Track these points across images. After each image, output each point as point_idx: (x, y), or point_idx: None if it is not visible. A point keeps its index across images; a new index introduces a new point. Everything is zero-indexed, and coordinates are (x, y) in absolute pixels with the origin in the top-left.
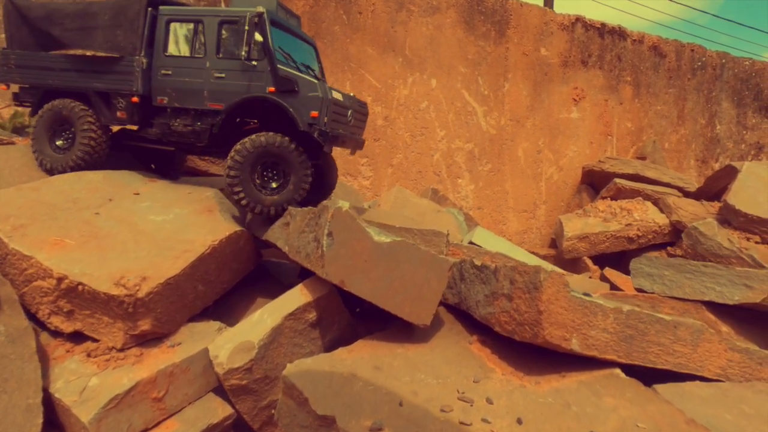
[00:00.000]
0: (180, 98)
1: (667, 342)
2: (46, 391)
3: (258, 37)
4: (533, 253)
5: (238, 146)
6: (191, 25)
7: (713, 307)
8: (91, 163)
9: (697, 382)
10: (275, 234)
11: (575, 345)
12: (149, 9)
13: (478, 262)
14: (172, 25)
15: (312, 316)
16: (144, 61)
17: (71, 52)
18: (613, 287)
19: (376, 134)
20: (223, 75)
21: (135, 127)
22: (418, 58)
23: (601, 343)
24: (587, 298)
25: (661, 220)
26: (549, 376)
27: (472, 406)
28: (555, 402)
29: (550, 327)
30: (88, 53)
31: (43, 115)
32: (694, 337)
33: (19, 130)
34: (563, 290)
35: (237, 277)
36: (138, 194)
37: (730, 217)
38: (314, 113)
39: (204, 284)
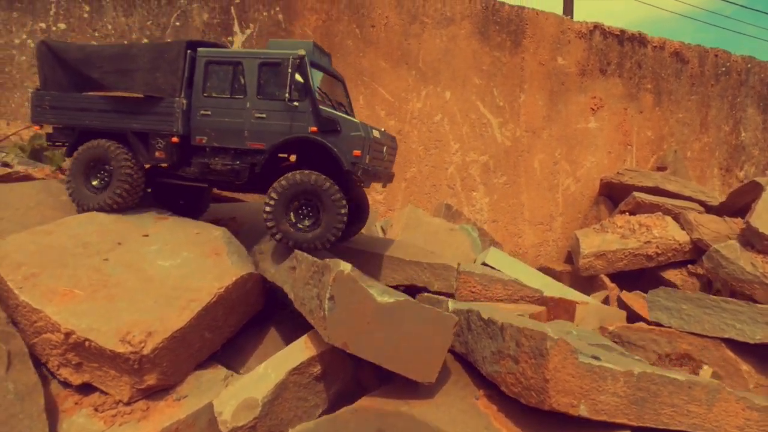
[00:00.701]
0: (219, 138)
1: (681, 403)
2: None
3: (299, 78)
4: (549, 269)
5: (275, 184)
6: (230, 67)
7: (733, 344)
8: (128, 202)
9: None
10: (282, 277)
11: (583, 411)
12: (188, 51)
13: (485, 315)
14: (211, 67)
15: (316, 369)
16: (184, 102)
17: (111, 93)
18: (631, 313)
19: None
20: (264, 115)
21: (165, 165)
22: (432, 71)
23: (611, 408)
24: (596, 363)
25: (682, 237)
26: None
27: None
28: None
29: (557, 395)
30: (127, 94)
31: (79, 156)
32: (710, 396)
33: (38, 153)
34: (570, 357)
35: (245, 319)
36: (147, 236)
37: (753, 240)
38: (357, 152)
39: (211, 331)
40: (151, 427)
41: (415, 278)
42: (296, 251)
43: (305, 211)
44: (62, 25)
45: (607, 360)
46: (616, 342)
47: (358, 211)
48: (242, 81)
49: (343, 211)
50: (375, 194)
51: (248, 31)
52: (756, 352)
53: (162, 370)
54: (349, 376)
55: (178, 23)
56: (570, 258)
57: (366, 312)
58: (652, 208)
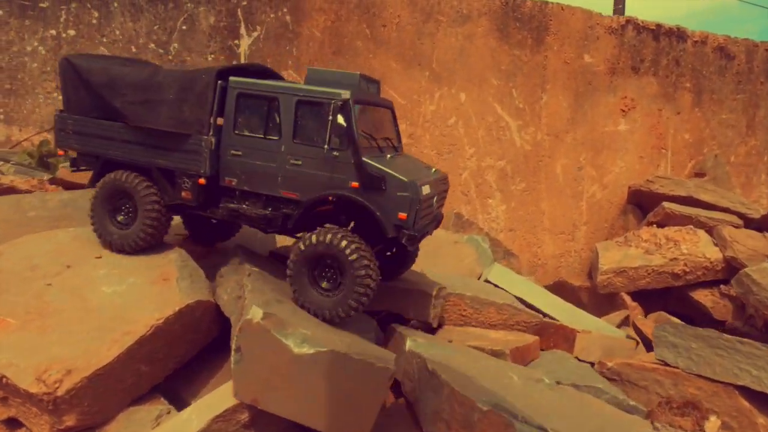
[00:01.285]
0: (250, 182)
1: None
2: None
3: (341, 122)
4: (566, 284)
5: (295, 247)
6: (265, 102)
7: (749, 392)
8: (156, 239)
9: None
10: (230, 307)
11: None
12: (219, 81)
13: (431, 367)
14: (243, 100)
15: (244, 417)
16: (212, 140)
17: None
18: (644, 340)
19: None
20: (299, 162)
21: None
22: (446, 72)
23: None
24: None
25: (714, 254)
26: None
27: None
28: None
29: None
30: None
31: (101, 190)
32: None
33: (45, 160)
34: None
35: (196, 348)
36: (100, 257)
37: None
38: (402, 215)
39: (149, 364)
40: None
41: (392, 305)
42: (244, 279)
43: (328, 274)
44: (72, 32)
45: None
46: (614, 380)
47: (404, 257)
48: (277, 119)
49: (362, 272)
50: None
51: (255, 34)
52: None
53: (82, 410)
54: (286, 423)
55: (184, 27)
56: (591, 272)
57: (281, 365)
58: (683, 221)
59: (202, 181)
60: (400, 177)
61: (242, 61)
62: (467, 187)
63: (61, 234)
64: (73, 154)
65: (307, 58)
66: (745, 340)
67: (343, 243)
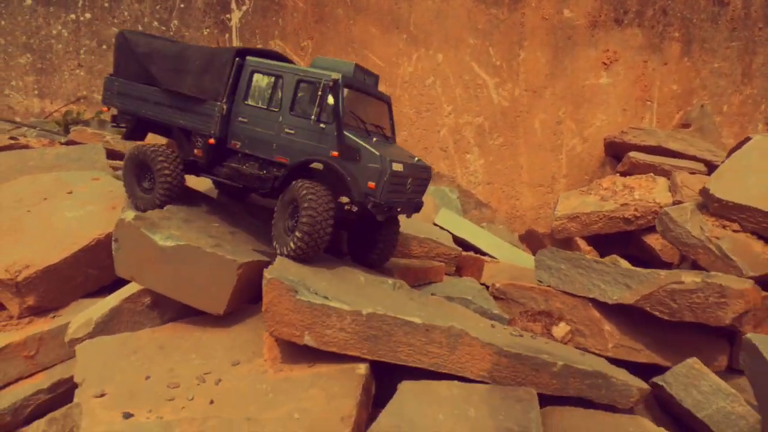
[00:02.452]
0: (251, 146)
1: (419, 343)
2: None
3: (330, 100)
4: (534, 232)
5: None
6: (272, 79)
7: (600, 305)
8: (172, 196)
9: (455, 382)
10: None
11: (309, 341)
12: (237, 59)
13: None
14: (255, 76)
15: (147, 300)
16: (224, 107)
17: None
18: None
19: None
20: (293, 132)
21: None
22: (423, 34)
23: (340, 341)
24: (317, 301)
25: (665, 199)
26: (302, 365)
27: (199, 384)
28: (265, 388)
29: (276, 325)
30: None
31: (128, 161)
32: (451, 341)
33: (68, 127)
34: (286, 295)
35: None
36: (71, 193)
37: (707, 202)
38: (371, 184)
39: (96, 269)
40: (24, 334)
41: None
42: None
43: (294, 217)
44: (88, 15)
45: (342, 301)
46: (501, 298)
47: (377, 241)
48: (280, 95)
49: (308, 213)
50: None
51: (244, 8)
52: (620, 313)
53: (39, 294)
54: (181, 305)
55: (182, 5)
56: None
57: (150, 253)
58: (647, 169)
59: (211, 141)
60: (373, 150)
61: (233, 32)
62: (445, 143)
63: (46, 177)
64: (114, 112)
65: (292, 28)
66: (600, 259)
67: (303, 190)
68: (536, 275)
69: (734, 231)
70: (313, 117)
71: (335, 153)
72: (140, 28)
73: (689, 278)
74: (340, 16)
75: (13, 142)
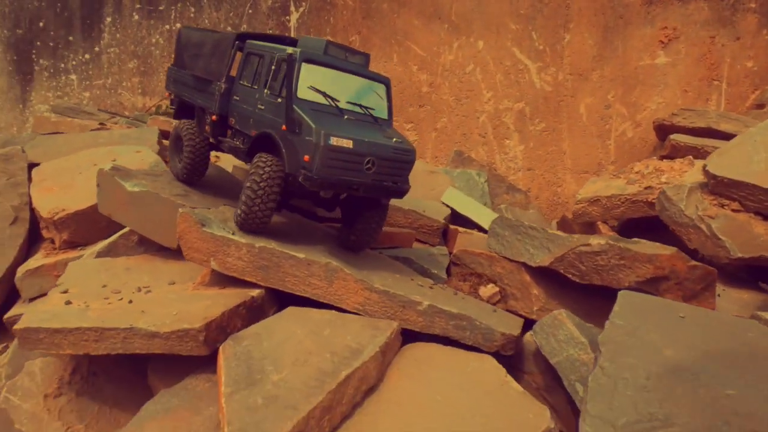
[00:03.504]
0: (240, 122)
1: (302, 275)
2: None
3: (283, 71)
4: (565, 218)
5: None
6: (258, 59)
7: (531, 269)
8: (196, 171)
9: (332, 311)
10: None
11: (214, 265)
12: (237, 42)
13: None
14: (249, 58)
15: (135, 237)
16: (223, 86)
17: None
18: None
19: (421, 101)
20: (263, 107)
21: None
22: (464, 22)
23: (239, 268)
24: (219, 233)
25: (695, 182)
26: (216, 288)
27: (134, 293)
28: (175, 298)
29: (188, 251)
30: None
31: (171, 136)
32: (328, 275)
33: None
34: (194, 226)
35: None
36: (114, 161)
37: (708, 179)
38: (306, 157)
39: None
40: (56, 258)
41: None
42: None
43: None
44: (178, 24)
45: (232, 235)
46: (457, 264)
47: (357, 227)
48: (260, 73)
49: (249, 186)
50: None
51: (301, 9)
52: (548, 278)
53: (70, 232)
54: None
55: (250, 11)
56: None
57: (122, 196)
58: (688, 152)
59: (213, 117)
60: (310, 123)
61: (292, 32)
62: (484, 129)
63: (102, 149)
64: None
65: (341, 25)
66: (535, 225)
67: (254, 162)
68: (487, 242)
69: (733, 210)
70: (268, 91)
71: (284, 127)
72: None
73: (596, 241)
74: (385, 11)
75: (100, 126)
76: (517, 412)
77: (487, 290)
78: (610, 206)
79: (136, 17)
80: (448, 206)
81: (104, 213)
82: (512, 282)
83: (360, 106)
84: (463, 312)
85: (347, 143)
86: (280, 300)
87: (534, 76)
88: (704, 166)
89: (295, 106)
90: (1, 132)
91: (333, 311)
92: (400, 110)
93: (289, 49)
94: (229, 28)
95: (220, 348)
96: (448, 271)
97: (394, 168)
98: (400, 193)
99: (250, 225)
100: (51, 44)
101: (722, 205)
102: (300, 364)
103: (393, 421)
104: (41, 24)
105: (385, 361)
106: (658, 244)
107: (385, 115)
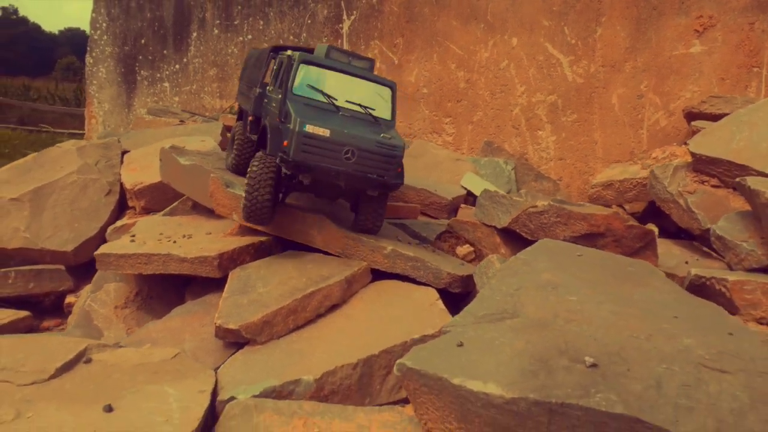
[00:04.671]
0: (265, 120)
1: (301, 226)
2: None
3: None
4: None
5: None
6: (281, 65)
7: (500, 231)
8: (240, 161)
9: (318, 254)
10: None
11: (236, 218)
12: (270, 53)
13: None
14: (276, 65)
15: (190, 203)
16: (258, 91)
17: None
18: None
19: (459, 96)
20: (274, 105)
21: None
22: (499, 21)
23: None
24: (239, 193)
25: None
26: (238, 237)
27: (180, 238)
28: (203, 240)
29: (217, 206)
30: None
31: (230, 135)
32: (319, 225)
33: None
34: (221, 187)
35: None
36: (184, 147)
37: (691, 158)
38: (285, 142)
39: None
40: (138, 220)
41: None
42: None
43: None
44: (249, 36)
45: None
46: (449, 231)
47: (359, 215)
48: (277, 77)
49: (248, 182)
50: (446, 136)
51: (352, 17)
52: (513, 239)
53: (146, 200)
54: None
55: (309, 21)
56: None
57: (177, 168)
58: None
59: (251, 117)
60: (293, 113)
61: (344, 39)
62: (518, 121)
63: (176, 139)
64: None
65: (387, 29)
66: (504, 194)
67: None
68: (474, 212)
69: (712, 186)
70: (277, 89)
71: (278, 118)
72: (281, 41)
73: (541, 203)
74: (426, 14)
75: (180, 123)
76: (428, 317)
77: (463, 249)
78: (622, 190)
79: (216, 31)
80: (466, 189)
81: (165, 181)
82: (487, 244)
83: (360, 106)
84: (418, 255)
85: (323, 132)
86: (285, 246)
87: (566, 70)
88: (686, 144)
89: (288, 101)
90: (112, 131)
91: (321, 254)
92: (439, 106)
93: (291, 52)
94: (291, 37)
95: (230, 273)
96: (440, 238)
97: (379, 161)
98: (387, 186)
99: (252, 216)
100: (150, 57)
101: (702, 182)
102: (282, 284)
103: (339, 324)
104: (143, 41)
105: (351, 289)
106: (602, 207)
107: (387, 116)
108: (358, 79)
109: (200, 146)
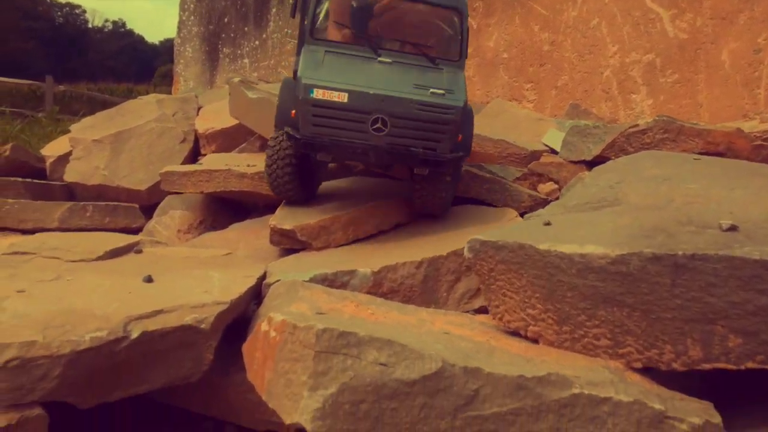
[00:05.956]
0: None
1: None
2: None
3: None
4: None
5: None
6: None
7: (589, 165)
8: None
9: (380, 179)
10: None
11: None
12: None
13: None
14: None
15: (258, 144)
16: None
17: None
18: None
19: (542, 59)
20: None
21: None
22: None
23: None
24: None
25: None
26: None
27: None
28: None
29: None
30: None
31: None
32: None
33: None
34: None
35: None
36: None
37: None
38: (293, 112)
39: (251, 134)
40: None
41: None
42: None
43: None
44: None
45: None
46: (532, 173)
47: (416, 193)
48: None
49: (267, 162)
50: (526, 103)
51: None
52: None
53: (217, 144)
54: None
55: None
56: None
57: (245, 102)
58: None
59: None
60: (299, 72)
61: None
62: (608, 85)
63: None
64: None
65: None
66: (599, 124)
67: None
68: (560, 153)
69: None
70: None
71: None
72: None
73: (643, 121)
74: None
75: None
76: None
77: (546, 186)
78: None
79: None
80: (548, 147)
81: (233, 116)
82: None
83: (410, 44)
84: (495, 176)
85: (340, 96)
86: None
87: (667, 25)
88: None
89: (303, 48)
90: None
91: (382, 179)
92: (520, 71)
93: None
94: None
95: None
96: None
97: (424, 129)
98: (439, 163)
99: (281, 194)
100: (231, 35)
101: None
102: (345, 199)
103: (403, 238)
104: (226, 19)
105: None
106: (687, 122)
107: (454, 55)
108: (407, 3)
109: (269, 87)
